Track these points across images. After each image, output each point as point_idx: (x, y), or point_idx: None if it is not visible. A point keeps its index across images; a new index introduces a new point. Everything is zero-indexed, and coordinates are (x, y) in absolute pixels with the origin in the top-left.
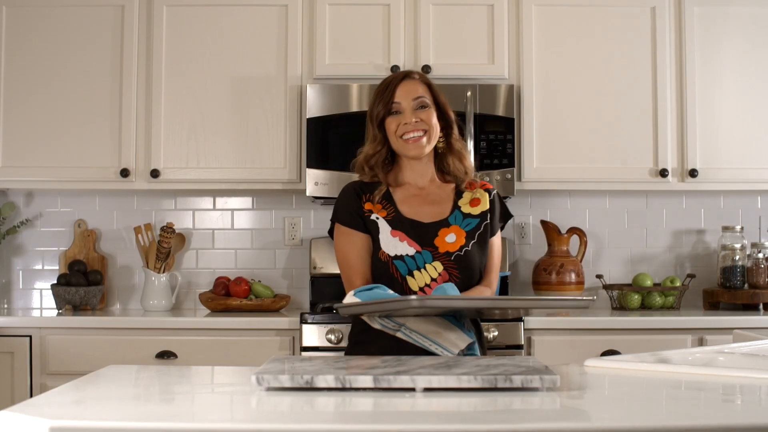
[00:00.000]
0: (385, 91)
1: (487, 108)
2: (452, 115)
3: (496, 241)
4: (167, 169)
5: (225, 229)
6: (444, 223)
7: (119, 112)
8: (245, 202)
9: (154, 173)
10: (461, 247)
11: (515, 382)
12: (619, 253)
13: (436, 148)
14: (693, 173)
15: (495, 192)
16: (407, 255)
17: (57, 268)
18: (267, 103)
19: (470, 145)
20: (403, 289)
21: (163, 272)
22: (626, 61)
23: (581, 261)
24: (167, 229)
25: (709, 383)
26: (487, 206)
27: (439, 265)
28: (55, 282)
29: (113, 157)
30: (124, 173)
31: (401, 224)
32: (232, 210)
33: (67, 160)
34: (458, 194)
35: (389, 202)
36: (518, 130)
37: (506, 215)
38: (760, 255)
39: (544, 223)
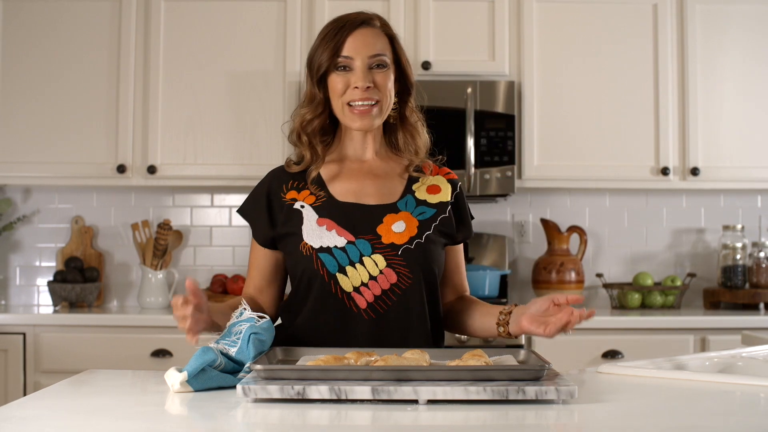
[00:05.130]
0: (335, 36)
1: (487, 105)
2: (413, 79)
3: (461, 250)
4: (164, 165)
5: (223, 226)
6: (391, 208)
7: (116, 107)
8: (243, 199)
9: (151, 169)
10: (411, 239)
11: (528, 393)
12: (619, 251)
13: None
14: (695, 171)
15: (460, 185)
16: (335, 246)
17: (54, 264)
18: (265, 99)
19: (470, 142)
20: (331, 292)
21: (160, 269)
22: (628, 58)
23: (581, 260)
24: (164, 225)
25: (738, 393)
26: (449, 198)
27: (381, 260)
28: (52, 279)
29: (110, 152)
30: (121, 169)
31: (332, 209)
32: (230, 207)
33: (64, 155)
34: (412, 178)
35: (319, 185)
36: (519, 127)
37: (470, 217)
38: (761, 254)
39: (544, 221)
